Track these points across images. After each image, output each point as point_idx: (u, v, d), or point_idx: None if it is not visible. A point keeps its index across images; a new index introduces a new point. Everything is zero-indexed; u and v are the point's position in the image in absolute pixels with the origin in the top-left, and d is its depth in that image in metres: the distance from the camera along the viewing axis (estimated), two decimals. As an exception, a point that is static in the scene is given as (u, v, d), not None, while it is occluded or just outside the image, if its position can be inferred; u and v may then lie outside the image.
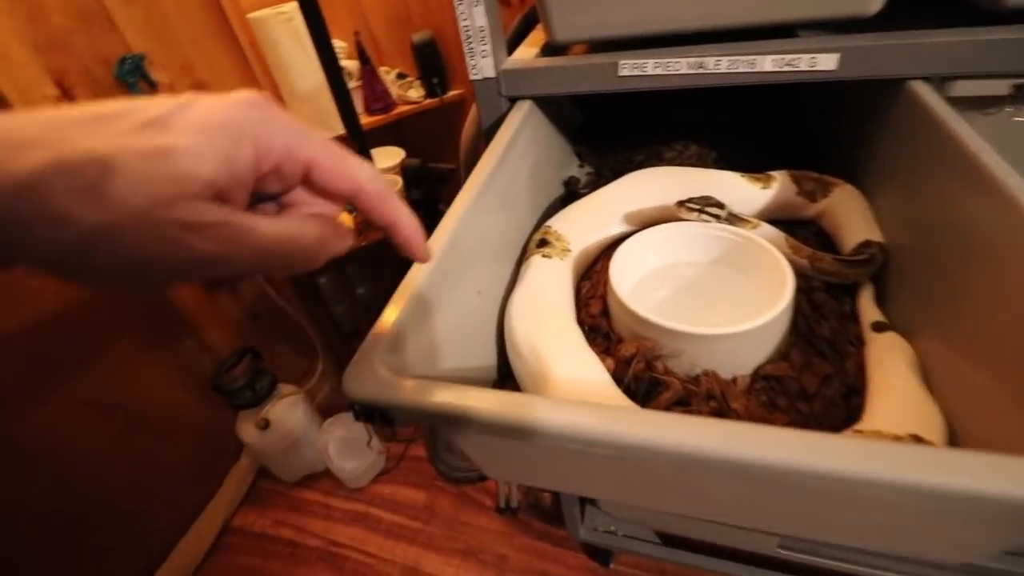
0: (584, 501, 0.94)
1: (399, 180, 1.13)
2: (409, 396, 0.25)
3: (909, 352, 0.35)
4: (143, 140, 0.17)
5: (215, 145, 0.18)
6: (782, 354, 0.37)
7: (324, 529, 1.22)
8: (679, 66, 0.43)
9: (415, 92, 1.14)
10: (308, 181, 0.22)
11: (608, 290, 0.40)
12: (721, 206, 0.43)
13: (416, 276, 0.33)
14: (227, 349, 1.20)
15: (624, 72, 0.45)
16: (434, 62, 1.10)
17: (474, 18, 0.46)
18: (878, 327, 0.38)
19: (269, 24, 1.02)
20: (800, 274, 0.41)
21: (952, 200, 0.35)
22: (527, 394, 0.24)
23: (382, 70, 1.13)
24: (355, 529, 1.21)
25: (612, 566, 1.05)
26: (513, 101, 0.51)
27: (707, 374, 0.35)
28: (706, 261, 0.43)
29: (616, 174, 0.57)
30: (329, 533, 1.21)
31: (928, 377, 0.34)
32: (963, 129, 0.34)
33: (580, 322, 0.41)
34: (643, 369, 0.36)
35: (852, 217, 0.44)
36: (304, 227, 0.21)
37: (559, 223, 0.47)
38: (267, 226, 0.20)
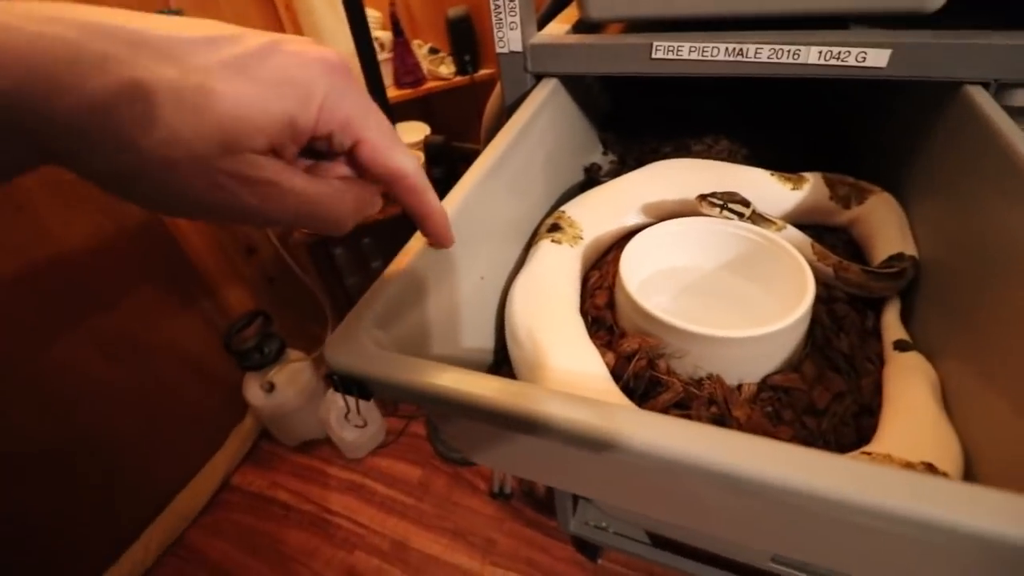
0: (577, 494, 0.93)
1: (421, 156, 1.11)
2: (391, 371, 0.24)
3: (932, 375, 0.33)
4: (221, 82, 0.17)
5: (285, 101, 0.19)
6: (793, 365, 0.35)
7: (319, 495, 1.23)
8: (716, 52, 0.41)
9: (446, 68, 1.12)
10: (352, 154, 0.22)
11: (616, 282, 0.38)
12: (746, 204, 0.40)
13: (415, 248, 0.31)
14: (240, 310, 1.21)
15: (658, 55, 0.42)
16: (467, 38, 1.07)
17: (505, -14, 0.44)
18: (901, 346, 0.35)
19: (305, -14, 1.01)
20: (823, 283, 0.39)
21: (1002, 218, 0.32)
22: (515, 381, 0.23)
23: (415, 43, 1.11)
24: (349, 498, 1.22)
25: (600, 562, 1.05)
26: (539, 78, 0.49)
27: (711, 378, 0.33)
28: (723, 260, 0.41)
29: (640, 163, 0.54)
30: (323, 500, 1.22)
31: (948, 403, 0.32)
32: (1022, 141, 0.31)
33: (584, 313, 0.39)
34: (644, 367, 0.34)
35: (886, 227, 0.41)
36: (343, 194, 0.22)
37: (574, 209, 0.45)
38: (309, 189, 0.21)
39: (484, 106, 1.02)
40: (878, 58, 0.37)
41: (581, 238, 0.44)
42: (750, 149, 0.55)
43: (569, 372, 0.33)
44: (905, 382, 0.33)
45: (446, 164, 1.04)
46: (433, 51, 1.14)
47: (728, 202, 0.40)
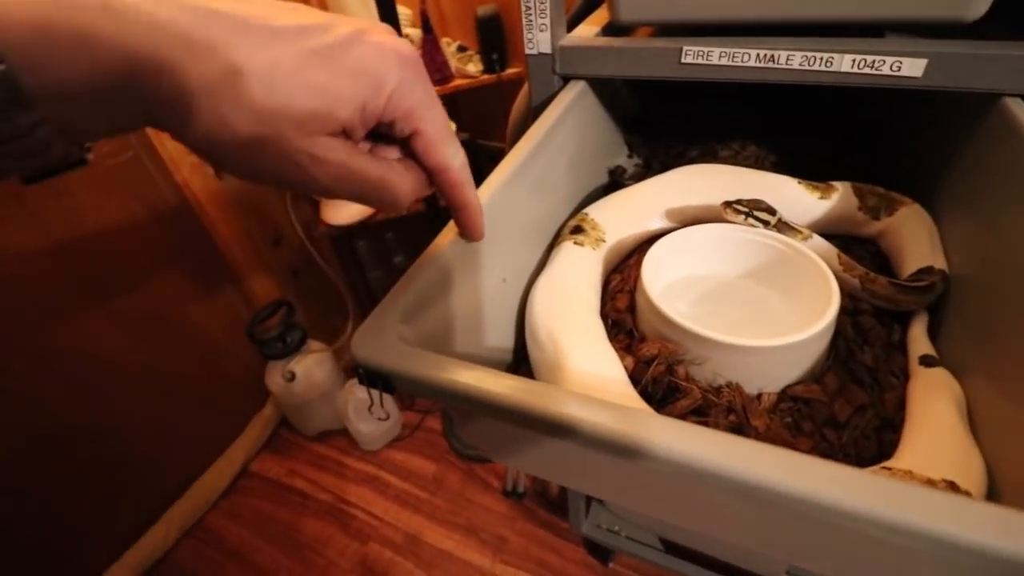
0: (591, 496, 0.93)
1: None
2: (416, 367, 0.24)
3: (958, 392, 0.33)
4: (308, 69, 0.19)
5: (361, 90, 0.21)
6: (815, 376, 0.35)
7: (335, 485, 1.26)
8: (747, 58, 0.40)
9: (474, 66, 1.13)
10: (408, 142, 0.24)
11: (638, 286, 0.38)
12: (772, 212, 0.40)
13: (440, 246, 0.32)
14: (265, 300, 1.24)
15: (687, 59, 0.42)
16: (496, 37, 1.08)
17: (537, -11, 0.44)
18: (927, 361, 0.35)
19: (338, -18, 1.02)
20: (848, 294, 0.39)
21: (1036, 234, 0.31)
22: (538, 382, 0.23)
23: (443, 41, 1.12)
24: (364, 490, 1.24)
25: (611, 565, 1.04)
26: (567, 80, 0.50)
27: (730, 386, 0.33)
28: (746, 268, 0.41)
29: (666, 168, 0.54)
30: (339, 490, 1.24)
31: (974, 421, 0.31)
32: (1060, 156, 0.31)
33: (604, 316, 0.39)
34: (663, 372, 0.34)
35: (916, 240, 0.40)
36: (403, 176, 0.24)
37: (597, 211, 0.45)
38: (373, 170, 0.22)
39: (511, 105, 1.02)
40: (913, 68, 0.37)
41: (603, 241, 0.44)
42: (778, 156, 0.54)
43: (588, 375, 0.33)
44: (930, 398, 0.32)
45: (471, 162, 1.05)
46: (462, 49, 1.15)
47: (753, 209, 0.40)
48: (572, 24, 0.53)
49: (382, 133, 0.24)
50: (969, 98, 0.38)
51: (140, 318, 1.02)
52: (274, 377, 1.21)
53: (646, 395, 0.34)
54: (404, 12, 1.07)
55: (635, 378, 0.34)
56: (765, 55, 0.40)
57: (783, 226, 0.40)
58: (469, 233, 0.28)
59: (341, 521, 1.19)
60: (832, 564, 0.30)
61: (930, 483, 0.27)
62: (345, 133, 0.21)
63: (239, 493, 1.26)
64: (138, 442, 1.07)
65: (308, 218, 1.26)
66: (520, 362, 0.40)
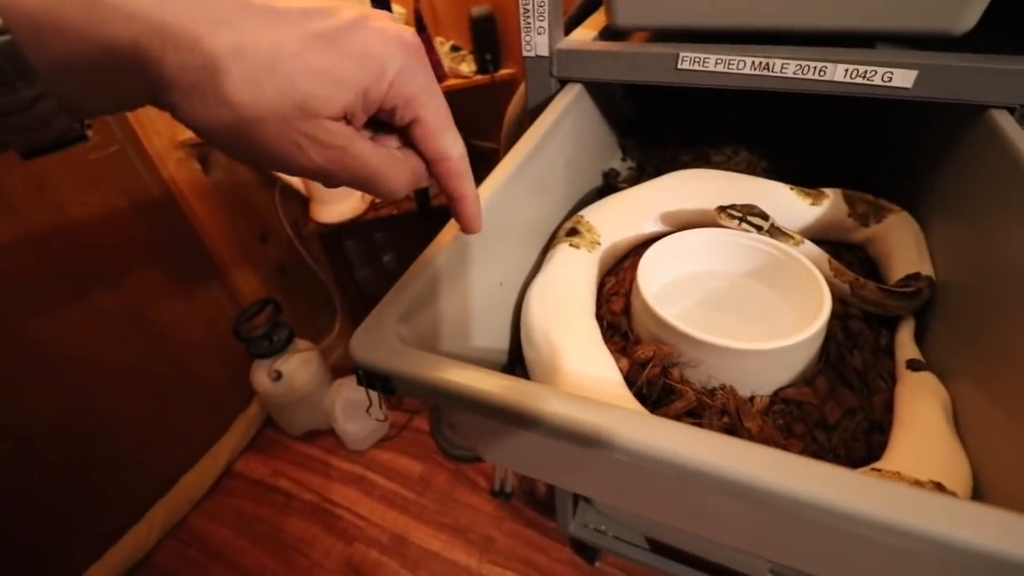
0: (578, 496, 0.94)
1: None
2: (416, 368, 0.24)
3: (944, 395, 0.33)
4: (311, 52, 0.19)
5: (364, 74, 0.20)
6: (806, 379, 0.35)
7: (320, 486, 1.24)
8: (742, 65, 0.41)
9: (467, 66, 1.13)
10: (407, 130, 0.24)
11: (633, 288, 0.39)
12: (765, 217, 0.41)
13: (438, 248, 0.32)
14: (251, 297, 1.22)
15: (684, 65, 0.43)
16: (490, 38, 1.08)
17: (536, -8, 0.44)
18: (914, 365, 0.36)
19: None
20: (839, 299, 0.39)
21: (1022, 242, 0.32)
22: (538, 384, 0.23)
23: (437, 40, 1.12)
24: (350, 490, 1.23)
25: (598, 564, 1.05)
26: (563, 83, 0.50)
27: (724, 389, 0.34)
28: (740, 272, 0.41)
29: (659, 172, 0.55)
30: (325, 490, 1.23)
31: (959, 424, 0.32)
32: (1044, 167, 0.31)
33: (599, 318, 0.40)
34: (658, 374, 0.35)
35: (904, 247, 0.41)
36: (402, 164, 0.24)
37: (592, 214, 0.46)
38: (373, 157, 0.22)
39: (504, 105, 1.02)
40: (904, 79, 0.38)
41: (599, 243, 0.44)
42: (769, 162, 0.55)
43: (584, 376, 0.33)
44: (917, 401, 0.33)
45: (462, 162, 1.05)
46: (455, 49, 1.15)
47: (747, 215, 0.41)
48: (569, 27, 0.53)
49: (382, 121, 0.24)
50: (957, 109, 0.39)
51: (123, 315, 1.01)
52: (260, 376, 1.19)
53: (640, 397, 0.34)
54: (398, 11, 1.06)
55: (630, 380, 0.35)
56: (760, 63, 0.41)
57: (776, 231, 0.41)
58: (467, 225, 0.28)
59: (326, 521, 1.17)
60: (822, 564, 0.30)
61: (918, 484, 0.28)
62: (346, 118, 0.21)
63: (222, 493, 1.24)
64: (119, 440, 1.05)
65: (296, 215, 1.25)
66: (515, 363, 0.40)
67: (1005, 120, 0.36)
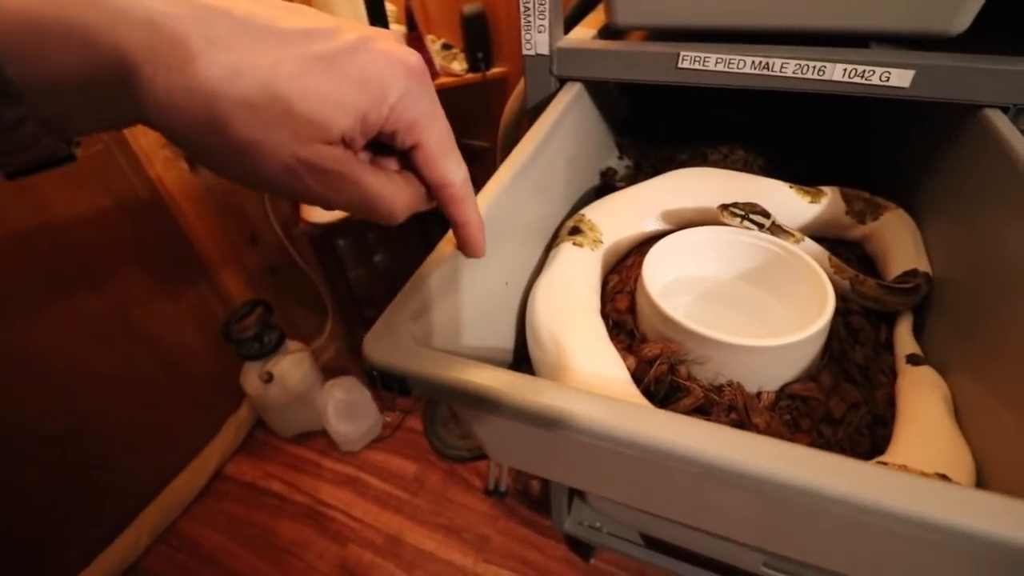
0: (573, 494, 0.94)
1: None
2: (434, 369, 0.24)
3: (944, 388, 0.34)
4: (310, 75, 0.19)
5: (363, 99, 0.20)
6: (811, 375, 0.36)
7: (313, 488, 1.23)
8: (743, 65, 0.41)
9: (458, 65, 1.12)
10: (408, 155, 0.23)
11: (638, 287, 0.39)
12: (766, 215, 0.41)
13: (445, 250, 0.32)
14: (241, 298, 1.20)
15: (684, 64, 0.43)
16: (481, 36, 1.07)
17: (536, -10, 0.44)
18: (913, 360, 0.36)
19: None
20: (839, 296, 0.40)
21: (1015, 239, 0.33)
22: (561, 384, 0.23)
23: (428, 38, 1.11)
24: (343, 492, 1.22)
25: (592, 561, 1.05)
26: (563, 82, 0.50)
27: (731, 385, 0.34)
28: (743, 270, 0.42)
29: (656, 170, 0.55)
30: (317, 492, 1.22)
31: (959, 415, 0.33)
32: (1038, 165, 0.32)
33: (605, 316, 0.40)
34: (665, 372, 0.35)
35: (900, 243, 0.42)
36: (402, 191, 0.23)
37: (594, 213, 0.46)
38: (371, 183, 0.21)
39: (496, 104, 1.01)
40: (902, 78, 0.38)
41: (601, 242, 0.44)
42: (766, 160, 0.56)
43: (591, 375, 0.33)
44: (918, 395, 0.34)
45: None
46: (446, 47, 1.14)
47: (749, 213, 0.41)
48: (567, 25, 0.53)
49: (383, 143, 0.23)
50: (952, 108, 0.40)
51: (109, 317, 0.99)
52: (250, 378, 1.18)
53: (648, 394, 0.34)
54: (388, 9, 1.05)
55: (637, 377, 0.35)
56: (760, 62, 0.41)
57: (777, 229, 0.41)
58: (470, 251, 0.27)
59: (320, 524, 1.17)
60: (830, 555, 0.31)
61: (924, 476, 0.28)
62: (344, 142, 0.21)
63: (213, 497, 1.23)
64: (107, 444, 1.03)
65: (286, 215, 1.23)
66: (520, 362, 0.40)
67: (999, 119, 0.37)
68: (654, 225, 0.47)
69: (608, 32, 0.50)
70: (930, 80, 0.38)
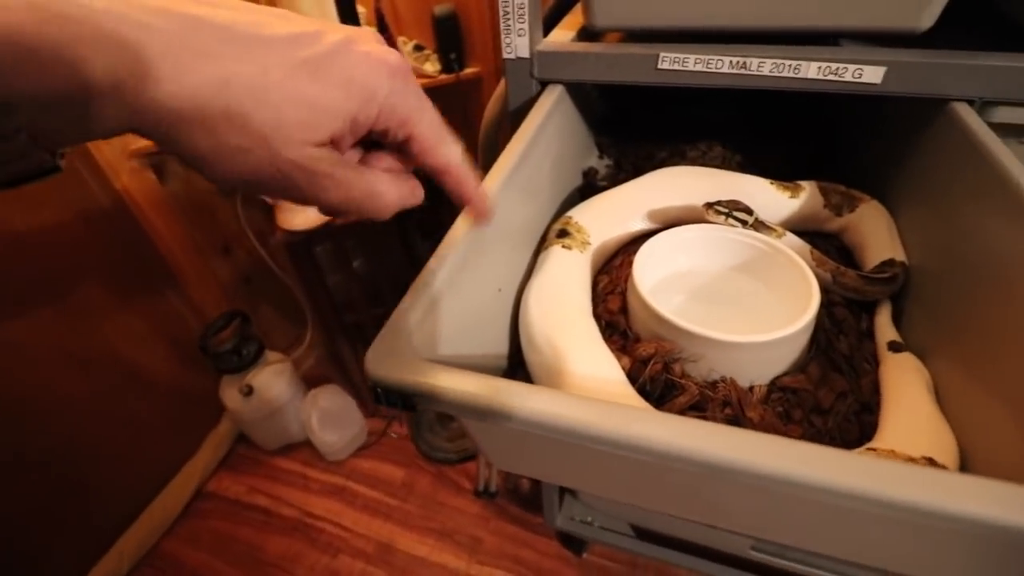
0: (563, 490, 0.95)
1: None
2: (442, 384, 0.24)
3: (925, 374, 0.35)
4: (296, 81, 0.19)
5: (350, 101, 0.20)
6: (800, 367, 0.37)
7: (300, 500, 1.21)
8: (721, 64, 0.42)
9: (431, 66, 1.11)
10: (403, 147, 0.24)
11: (629, 287, 0.39)
12: (749, 212, 0.42)
13: (441, 259, 0.31)
14: (216, 311, 1.17)
15: (664, 65, 0.44)
16: (453, 37, 1.07)
17: (515, -6, 0.44)
18: (895, 347, 0.38)
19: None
20: (821, 288, 0.41)
21: (984, 226, 0.34)
22: (570, 394, 0.23)
23: (399, 40, 1.10)
24: (331, 502, 1.20)
25: (585, 555, 1.06)
26: (544, 85, 0.50)
27: (725, 381, 0.35)
28: (730, 266, 0.43)
29: (636, 168, 0.56)
30: (305, 504, 1.20)
31: (940, 399, 0.34)
32: (1005, 156, 0.34)
33: (597, 317, 0.40)
34: (660, 371, 0.35)
35: (876, 234, 0.43)
36: (390, 187, 0.23)
37: (580, 214, 0.46)
38: (360, 183, 0.22)
39: (470, 104, 1.01)
40: (874, 75, 0.40)
41: (589, 243, 0.44)
42: (743, 156, 0.57)
43: (588, 377, 0.34)
44: (901, 381, 0.35)
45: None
46: (418, 48, 1.13)
47: (733, 210, 0.42)
48: (545, 27, 0.53)
49: (374, 140, 0.24)
50: (921, 103, 0.41)
51: (78, 335, 0.95)
52: (230, 392, 1.15)
53: (644, 393, 0.35)
54: (359, 11, 1.04)
55: (632, 377, 0.35)
56: (738, 62, 0.42)
57: (760, 225, 0.42)
58: (481, 220, 0.28)
59: (308, 536, 1.15)
60: (824, 541, 0.32)
61: (911, 461, 0.30)
62: (333, 143, 0.21)
63: (196, 516, 1.20)
64: (84, 467, 0.99)
65: (260, 223, 1.20)
66: (516, 367, 0.41)
67: (966, 112, 0.39)
68: (640, 225, 0.48)
69: (586, 34, 0.51)
70: (900, 76, 0.39)
